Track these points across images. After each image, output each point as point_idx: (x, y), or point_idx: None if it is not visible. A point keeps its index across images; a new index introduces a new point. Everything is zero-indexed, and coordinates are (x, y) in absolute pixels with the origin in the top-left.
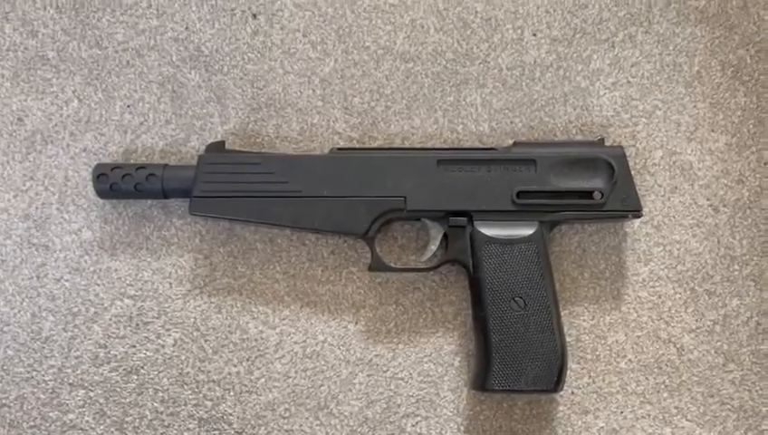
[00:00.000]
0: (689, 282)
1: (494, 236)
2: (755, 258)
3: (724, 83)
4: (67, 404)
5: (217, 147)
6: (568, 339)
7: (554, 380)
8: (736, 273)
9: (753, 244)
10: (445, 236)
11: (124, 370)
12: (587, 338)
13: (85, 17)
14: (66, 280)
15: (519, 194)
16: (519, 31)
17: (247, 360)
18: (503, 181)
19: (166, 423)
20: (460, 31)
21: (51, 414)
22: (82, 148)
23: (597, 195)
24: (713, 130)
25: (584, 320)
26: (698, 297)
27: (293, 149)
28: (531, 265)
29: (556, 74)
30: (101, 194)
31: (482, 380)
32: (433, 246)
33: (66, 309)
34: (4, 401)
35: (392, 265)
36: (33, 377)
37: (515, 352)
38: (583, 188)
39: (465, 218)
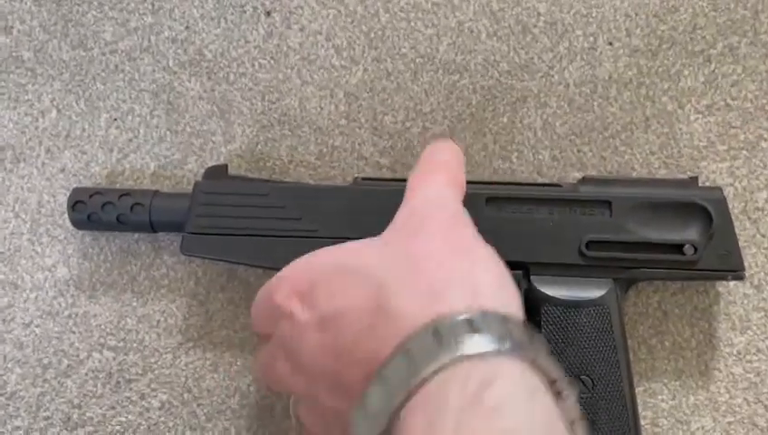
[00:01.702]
0: None
1: (555, 296)
2: None
3: None
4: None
5: (218, 172)
6: (643, 422)
7: None
8: None
9: None
10: None
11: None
12: (665, 422)
13: (68, 12)
14: (36, 325)
15: (589, 244)
16: (591, 39)
17: (247, 430)
18: (569, 227)
19: None
20: (518, 37)
21: None
22: (60, 168)
23: (688, 249)
24: None
25: (663, 400)
26: None
27: (310, 176)
28: (602, 335)
29: (636, 93)
30: (78, 224)
31: None
32: None
33: (36, 360)
34: None
35: None
36: None
37: None
38: (671, 241)
39: (519, 272)
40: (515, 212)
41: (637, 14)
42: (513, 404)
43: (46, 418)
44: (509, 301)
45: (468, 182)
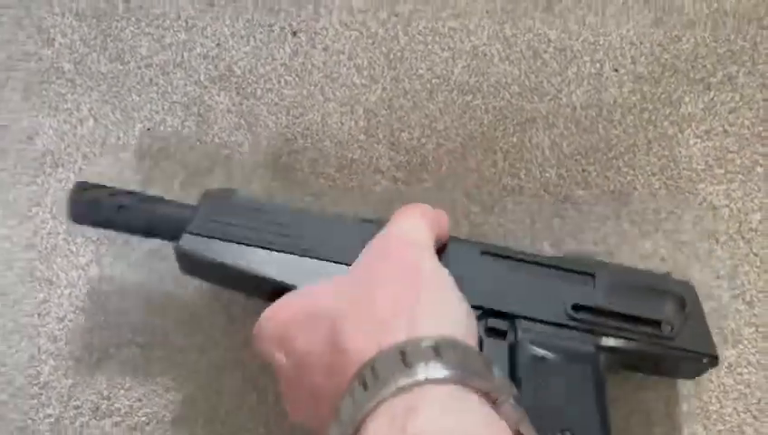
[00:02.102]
0: None
1: (540, 350)
2: None
3: None
4: None
5: (226, 192)
6: (636, 429)
7: None
8: None
9: None
10: (478, 341)
11: (128, 426)
12: (659, 430)
13: (107, 27)
14: (70, 320)
15: (574, 307)
16: (598, 65)
17: (264, 425)
18: (555, 289)
19: None
20: (529, 62)
21: None
22: (96, 173)
23: (665, 326)
24: None
25: (658, 404)
26: None
27: (329, 186)
28: (584, 392)
29: (639, 117)
30: (76, 217)
31: None
32: None
33: (68, 353)
34: None
35: None
36: (27, 426)
37: None
38: (649, 316)
39: (506, 322)
40: (506, 268)
41: (641, 43)
42: (436, 429)
43: (76, 407)
44: (453, 328)
45: (464, 240)
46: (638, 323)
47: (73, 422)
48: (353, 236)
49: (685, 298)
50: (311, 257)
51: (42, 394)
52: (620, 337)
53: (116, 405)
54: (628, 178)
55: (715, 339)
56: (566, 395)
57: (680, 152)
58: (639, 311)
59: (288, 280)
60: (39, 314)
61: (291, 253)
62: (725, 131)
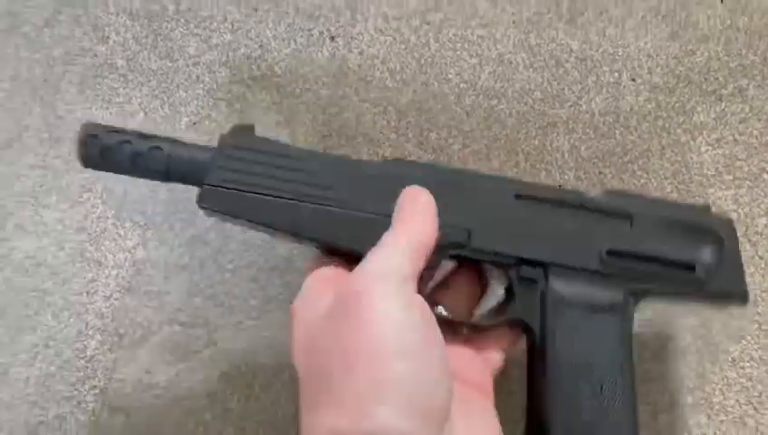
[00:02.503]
0: None
1: (572, 298)
2: None
3: None
4: (106, 428)
5: (246, 131)
6: (642, 417)
7: None
8: None
9: None
10: (510, 289)
11: (167, 398)
12: (664, 418)
13: (158, 27)
14: (116, 299)
15: (608, 253)
16: (616, 74)
17: (292, 402)
18: (591, 234)
19: None
20: (552, 70)
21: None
22: None
23: (700, 269)
24: None
25: (663, 395)
26: None
27: None
28: (613, 342)
29: (654, 125)
30: (88, 161)
31: None
32: (493, 299)
33: (113, 329)
34: (42, 419)
35: (436, 311)
36: (74, 397)
37: None
38: (685, 259)
39: (540, 270)
40: (542, 211)
41: (658, 55)
42: None
43: (119, 380)
44: (412, 410)
45: (500, 177)
46: (673, 266)
47: (117, 394)
48: (381, 181)
49: (723, 237)
50: (340, 208)
51: (88, 367)
52: (654, 282)
53: (156, 379)
54: (642, 181)
55: (720, 335)
56: (595, 343)
57: (692, 158)
58: (676, 254)
59: (316, 235)
60: (87, 293)
61: (320, 204)
62: (735, 140)
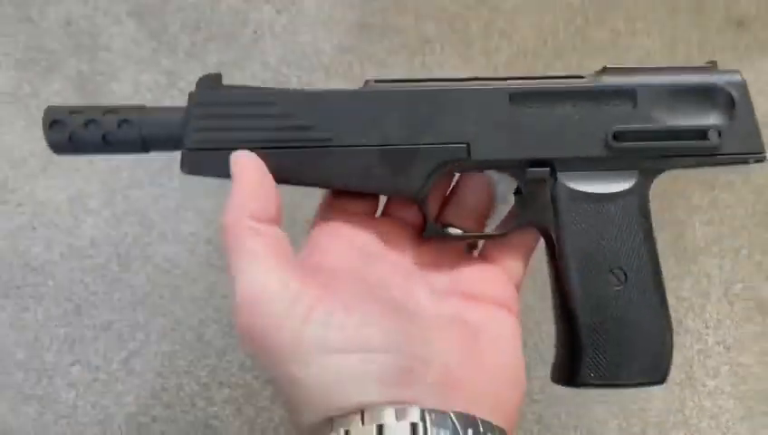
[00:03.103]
0: (748, 401)
1: (584, 190)
2: None
3: None
4: (213, 398)
5: (213, 81)
6: (633, 429)
7: (663, 370)
8: None
9: None
10: (518, 192)
11: (263, 380)
12: (652, 432)
13: None
14: (230, 298)
15: (615, 136)
16: None
17: None
18: (594, 120)
19: (290, 431)
20: None
21: (199, 403)
22: None
23: (712, 134)
24: None
25: (651, 416)
26: (754, 416)
27: None
28: (631, 228)
29: (660, 205)
30: (57, 148)
31: (571, 372)
32: (502, 205)
33: (227, 321)
34: (165, 386)
35: (449, 231)
36: (191, 371)
37: (615, 338)
38: (696, 126)
39: (546, 169)
40: (539, 107)
41: None
42: None
43: (228, 361)
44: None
45: (489, 79)
46: (683, 137)
47: (225, 372)
48: (366, 108)
49: (733, 94)
50: (326, 147)
51: (204, 349)
52: (666, 157)
53: (257, 363)
54: None
55: (699, 372)
56: (614, 232)
57: (688, 232)
58: (684, 121)
59: (307, 179)
60: (209, 291)
61: (304, 147)
62: (722, 221)
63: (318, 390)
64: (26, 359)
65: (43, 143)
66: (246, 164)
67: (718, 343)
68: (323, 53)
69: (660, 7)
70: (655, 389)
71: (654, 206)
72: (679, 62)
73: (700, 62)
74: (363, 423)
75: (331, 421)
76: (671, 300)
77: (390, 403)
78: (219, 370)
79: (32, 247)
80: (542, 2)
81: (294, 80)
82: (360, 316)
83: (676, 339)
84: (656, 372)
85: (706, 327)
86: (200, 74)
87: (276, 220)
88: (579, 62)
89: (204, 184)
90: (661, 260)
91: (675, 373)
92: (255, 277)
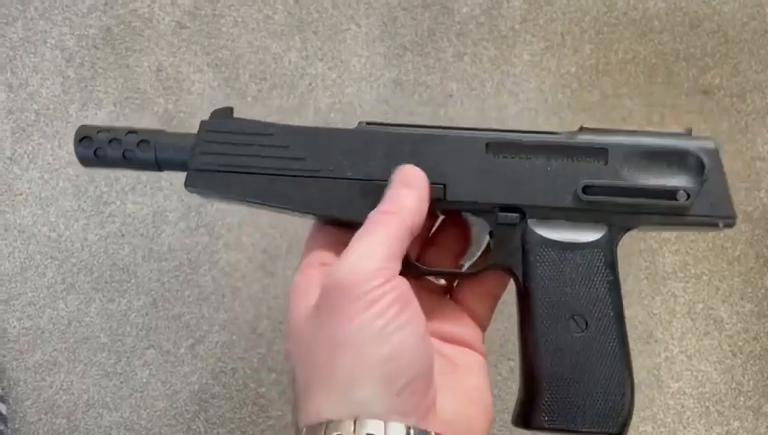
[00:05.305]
0: (706, 401)
1: (551, 238)
2: (756, 396)
3: (756, 268)
4: (263, 381)
5: (224, 113)
6: None
7: (620, 421)
8: (741, 403)
9: (757, 385)
10: (491, 235)
11: None
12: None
13: None
14: (281, 299)
15: (585, 189)
16: None
17: None
18: (565, 172)
19: None
20: None
21: (251, 384)
22: None
23: (681, 195)
24: (742, 298)
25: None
26: (710, 414)
27: None
28: (596, 277)
29: (636, 237)
30: (84, 161)
31: (526, 413)
32: (475, 248)
33: (276, 318)
34: (223, 369)
35: (425, 267)
36: (245, 357)
37: (572, 383)
38: (665, 187)
39: (516, 215)
40: (513, 157)
41: None
42: None
43: (277, 351)
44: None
45: (469, 129)
46: (652, 196)
47: (273, 359)
48: (355, 146)
49: (703, 160)
50: (314, 177)
51: (256, 339)
52: (634, 214)
53: None
54: (623, 272)
55: (666, 375)
56: (577, 280)
57: (658, 260)
58: (654, 181)
59: (295, 206)
60: (263, 291)
61: (293, 176)
62: (687, 252)
63: (345, 376)
64: (110, 342)
65: None
66: (420, 179)
67: (682, 352)
68: (365, 103)
69: (640, 76)
70: None
71: (630, 237)
72: (655, 120)
73: (673, 122)
74: (354, 431)
75: (325, 425)
76: (644, 316)
77: (388, 411)
78: (268, 358)
79: (119, 251)
80: (544, 69)
81: (340, 124)
82: (407, 319)
83: (646, 348)
84: (611, 423)
85: (672, 338)
86: (265, 116)
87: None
88: (573, 118)
89: None
90: (635, 282)
91: (645, 376)
92: (372, 244)
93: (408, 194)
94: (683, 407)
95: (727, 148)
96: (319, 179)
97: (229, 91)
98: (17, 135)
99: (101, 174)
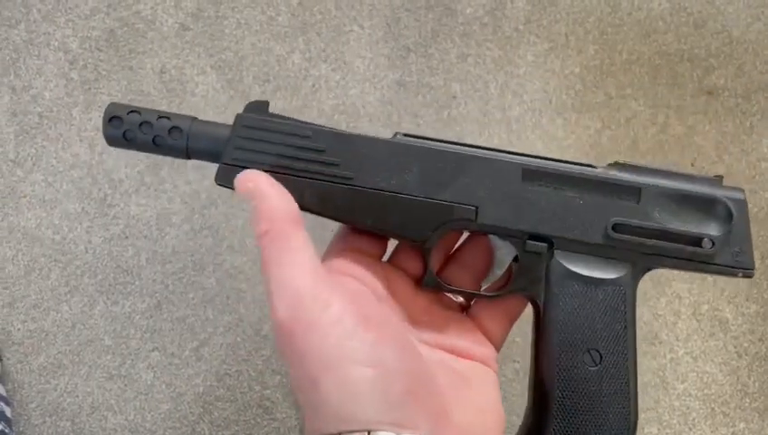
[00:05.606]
0: (711, 403)
1: (576, 271)
2: (762, 397)
3: (762, 269)
4: (267, 383)
5: (260, 107)
6: None
7: None
8: (746, 404)
9: (763, 386)
10: (515, 260)
11: None
12: None
13: None
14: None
15: (615, 227)
16: None
17: None
18: (597, 208)
19: None
20: None
21: (255, 387)
22: None
23: (707, 243)
24: (747, 299)
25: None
26: (716, 415)
27: None
28: (615, 314)
29: None
30: (111, 141)
31: None
32: (499, 271)
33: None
34: (227, 371)
35: (449, 284)
36: (249, 359)
37: (580, 415)
38: (692, 233)
39: (545, 245)
40: (549, 187)
41: None
42: None
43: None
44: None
45: (503, 151)
46: (679, 241)
47: (278, 362)
48: (390, 157)
49: (732, 210)
50: (344, 185)
51: (261, 341)
52: (659, 256)
53: None
54: None
55: (671, 376)
56: (597, 315)
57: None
58: (682, 228)
59: (324, 211)
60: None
61: (325, 181)
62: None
63: (335, 399)
64: (114, 344)
65: (137, 167)
66: (259, 177)
67: (687, 354)
68: (368, 105)
69: (645, 77)
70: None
71: None
72: (660, 120)
73: (678, 123)
74: None
75: None
76: (649, 317)
77: (392, 425)
78: (273, 360)
79: (123, 253)
80: (548, 70)
81: (344, 125)
82: (376, 335)
83: (651, 349)
84: None
85: (677, 340)
86: None
87: (302, 223)
88: (577, 119)
89: None
90: (642, 284)
91: (650, 377)
92: (298, 272)
93: (264, 204)
94: (688, 408)
95: (732, 149)
96: (352, 187)
97: (233, 93)
98: (21, 138)
99: (104, 176)
